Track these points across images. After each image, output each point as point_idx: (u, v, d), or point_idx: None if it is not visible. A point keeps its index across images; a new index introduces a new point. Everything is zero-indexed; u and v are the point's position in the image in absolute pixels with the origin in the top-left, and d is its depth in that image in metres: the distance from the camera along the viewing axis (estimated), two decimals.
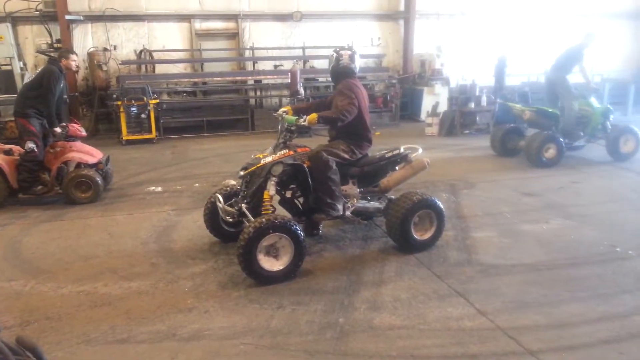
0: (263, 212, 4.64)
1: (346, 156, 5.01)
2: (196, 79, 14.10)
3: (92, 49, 13.24)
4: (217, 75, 13.96)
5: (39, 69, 7.50)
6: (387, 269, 4.74)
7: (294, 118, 4.88)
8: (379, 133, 12.18)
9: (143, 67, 13.72)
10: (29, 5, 12.75)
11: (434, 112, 12.80)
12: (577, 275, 4.56)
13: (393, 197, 5.32)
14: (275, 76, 14.05)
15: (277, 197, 5.01)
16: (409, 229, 4.96)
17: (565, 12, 16.70)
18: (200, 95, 14.13)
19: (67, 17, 12.70)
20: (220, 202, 4.93)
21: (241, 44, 14.48)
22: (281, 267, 4.43)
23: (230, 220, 4.95)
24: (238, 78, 14.29)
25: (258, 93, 14.61)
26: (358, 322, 3.81)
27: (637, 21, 17.97)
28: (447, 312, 3.94)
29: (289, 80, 12.63)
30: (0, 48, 12.06)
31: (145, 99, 11.69)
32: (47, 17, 12.85)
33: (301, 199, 5.18)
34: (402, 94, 14.81)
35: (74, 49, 12.83)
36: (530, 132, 9.43)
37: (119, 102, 11.67)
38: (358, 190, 5.20)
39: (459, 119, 12.29)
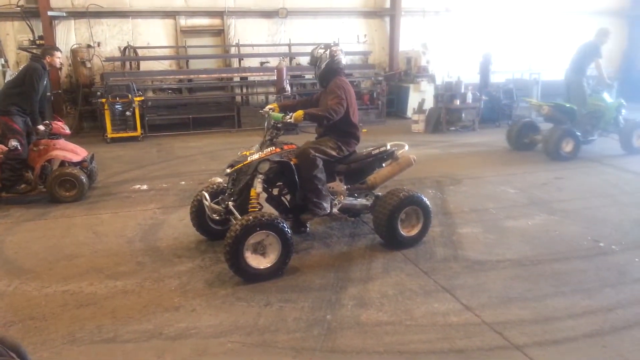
0: (250, 210, 4.63)
1: (334, 153, 5.02)
2: (181, 76, 14.00)
3: (75, 46, 13.08)
4: (202, 72, 13.88)
5: (22, 66, 7.38)
6: (374, 266, 4.76)
7: (280, 115, 4.87)
8: (366, 130, 12.12)
9: (127, 64, 13.59)
10: (10, 1, 12.55)
11: (420, 109, 12.86)
12: (561, 270, 4.62)
13: (380, 194, 5.34)
14: (261, 73, 14.00)
15: (264, 195, 5.00)
16: (395, 225, 4.99)
17: (549, 10, 16.87)
18: (185, 92, 14.02)
19: (50, 13, 12.52)
20: (206, 199, 4.91)
21: (227, 40, 14.41)
22: (268, 265, 4.43)
23: (217, 218, 4.93)
24: (224, 75, 14.22)
25: (244, 90, 14.55)
26: (345, 318, 3.83)
27: (620, 19, 18.19)
28: (434, 308, 3.97)
29: (275, 78, 12.60)
30: None
31: (130, 96, 11.57)
32: (28, 13, 12.67)
33: (288, 196, 5.18)
34: (388, 91, 14.84)
35: (57, 46, 12.70)
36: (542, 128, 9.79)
37: (104, 100, 11.54)
38: (345, 187, 5.21)
39: (445, 116, 12.36)
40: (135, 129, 11.90)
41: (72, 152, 7.16)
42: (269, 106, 5.27)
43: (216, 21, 14.45)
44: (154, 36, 13.89)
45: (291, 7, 14.52)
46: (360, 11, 15.60)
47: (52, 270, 4.75)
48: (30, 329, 3.72)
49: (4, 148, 6.80)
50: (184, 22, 14.14)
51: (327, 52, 5.12)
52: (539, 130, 9.99)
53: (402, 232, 5.07)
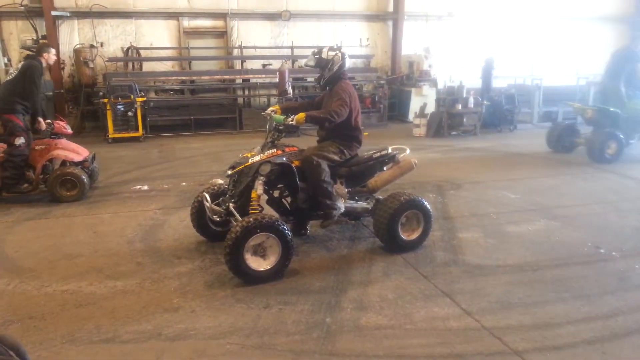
0: (251, 212, 4.63)
1: (336, 158, 5.02)
2: (184, 77, 14.02)
3: (78, 46, 13.11)
4: (204, 74, 13.91)
5: (19, 65, 7.40)
6: (374, 269, 4.76)
7: (282, 117, 4.87)
8: (367, 133, 12.11)
9: (130, 64, 13.62)
10: (14, 0, 12.59)
11: (421, 113, 12.87)
12: (561, 276, 4.61)
13: (381, 197, 5.34)
14: (263, 75, 14.03)
15: (265, 197, 5.00)
16: (396, 229, 4.98)
17: (551, 15, 16.90)
18: (187, 93, 14.05)
19: (53, 12, 12.57)
20: (207, 201, 4.91)
21: (229, 42, 14.43)
22: (268, 267, 4.42)
23: (218, 219, 4.93)
24: (226, 77, 14.25)
25: (246, 92, 14.57)
26: (345, 321, 3.82)
27: (620, 25, 18.21)
28: (433, 312, 3.96)
29: (277, 80, 12.62)
30: None
31: (132, 96, 11.58)
32: (32, 13, 12.71)
33: (289, 199, 5.17)
34: (390, 94, 14.87)
35: (60, 46, 12.79)
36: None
37: (106, 100, 11.55)
38: (346, 190, 5.21)
39: (447, 120, 12.36)
40: (136, 129, 11.92)
41: (73, 151, 7.16)
42: (271, 108, 5.26)
43: (219, 23, 14.48)
44: (156, 37, 13.93)
45: (294, 9, 14.55)
46: (363, 14, 15.63)
47: (52, 270, 4.75)
48: (29, 328, 3.72)
49: (4, 146, 6.81)
50: (187, 23, 14.18)
51: (339, 54, 5.10)
52: (580, 133, 10.17)
53: (402, 236, 5.06)
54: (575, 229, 5.85)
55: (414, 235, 5.16)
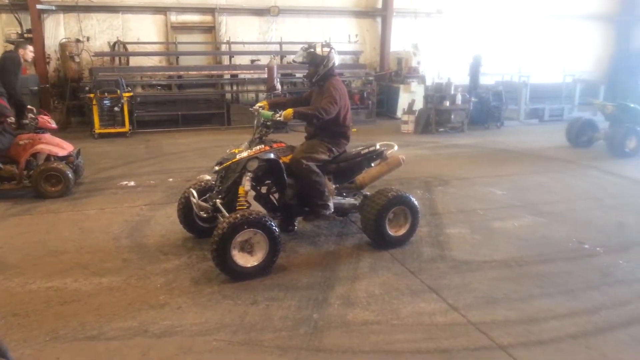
0: (238, 208, 4.61)
1: (324, 157, 5.02)
2: (171, 73, 13.91)
3: (64, 40, 12.93)
4: (192, 69, 13.81)
5: None
6: (362, 265, 4.77)
7: (270, 113, 4.85)
8: (356, 130, 12.16)
9: (117, 59, 13.47)
10: None
11: (409, 110, 12.90)
12: (546, 272, 4.65)
13: (368, 193, 5.35)
14: (251, 71, 13.96)
15: (252, 193, 4.98)
16: (383, 225, 4.99)
17: (538, 13, 17.00)
18: (175, 89, 13.93)
19: (38, 6, 12.38)
20: (194, 197, 4.88)
21: (218, 37, 14.34)
22: (255, 263, 4.41)
23: (205, 215, 4.90)
24: (214, 72, 14.14)
25: (234, 88, 14.50)
26: (332, 317, 3.82)
27: (606, 23, 18.39)
28: (420, 308, 3.98)
29: (265, 76, 12.56)
30: None
31: (118, 91, 11.48)
32: (17, 6, 12.50)
33: (276, 195, 5.16)
34: (378, 91, 14.86)
35: (45, 40, 12.63)
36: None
37: (92, 95, 11.42)
38: (334, 186, 5.20)
39: (434, 117, 12.40)
40: (123, 124, 11.80)
41: (58, 146, 7.08)
42: (259, 104, 5.23)
43: (207, 18, 14.38)
44: (144, 32, 13.78)
45: (283, 5, 14.49)
46: (352, 11, 15.60)
47: (36, 266, 4.69)
48: (12, 326, 3.67)
49: None
50: (174, 18, 14.06)
51: (333, 51, 5.07)
52: (599, 128, 10.43)
53: (389, 232, 5.07)
54: (561, 225, 5.90)
55: (402, 231, 5.17)
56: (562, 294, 4.22)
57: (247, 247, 4.40)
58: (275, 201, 5.17)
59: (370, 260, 4.86)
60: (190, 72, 13.78)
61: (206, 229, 5.15)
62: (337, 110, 4.94)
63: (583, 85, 15.08)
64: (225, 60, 14.32)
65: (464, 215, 6.26)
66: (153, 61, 13.83)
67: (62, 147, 7.13)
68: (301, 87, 13.79)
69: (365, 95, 14.51)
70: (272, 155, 4.78)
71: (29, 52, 7.20)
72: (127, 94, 11.71)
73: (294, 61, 5.34)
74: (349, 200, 5.37)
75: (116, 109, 11.58)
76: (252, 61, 14.18)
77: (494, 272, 4.64)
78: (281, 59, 14.32)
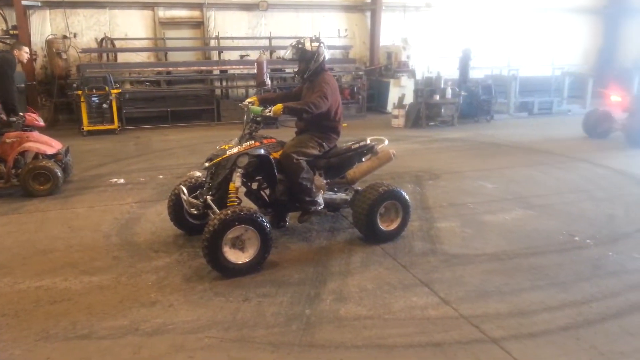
0: (229, 204, 4.59)
1: (315, 152, 5.00)
2: (160, 69, 13.81)
3: (50, 37, 12.80)
4: (181, 65, 13.71)
5: None
6: (354, 260, 4.77)
7: (259, 109, 4.83)
8: (346, 125, 12.17)
9: (104, 55, 13.35)
10: None
11: (400, 104, 12.90)
12: (537, 264, 4.68)
13: (359, 188, 5.34)
14: (241, 66, 13.89)
15: (243, 189, 4.96)
16: (375, 220, 4.99)
17: (526, 6, 17.06)
18: (164, 85, 13.83)
19: (24, 2, 12.20)
20: (184, 194, 4.85)
21: (206, 33, 14.25)
22: (247, 260, 4.40)
23: (195, 212, 4.88)
24: (203, 68, 14.07)
25: (224, 83, 14.41)
26: (324, 313, 3.82)
27: (594, 16, 18.50)
28: (412, 302, 3.99)
29: (255, 71, 12.50)
30: None
31: (107, 88, 11.36)
32: (1, 2, 12.33)
33: (267, 191, 5.14)
34: (368, 85, 14.86)
35: (31, 36, 12.48)
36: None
37: (80, 92, 11.31)
38: (325, 181, 5.19)
39: (425, 111, 12.42)
40: (112, 121, 11.70)
41: (46, 144, 7.01)
42: (249, 99, 5.21)
43: (195, 13, 14.28)
44: (131, 27, 13.66)
45: None
46: (341, 5, 15.57)
47: (26, 266, 4.65)
48: (1, 326, 3.63)
49: None
50: (162, 13, 13.94)
51: (322, 46, 5.04)
52: (615, 119, 10.56)
53: (381, 227, 5.08)
54: (551, 217, 5.94)
55: (393, 226, 5.18)
56: (553, 286, 4.25)
57: (239, 244, 4.38)
58: (266, 197, 5.15)
59: (362, 255, 4.86)
60: (179, 68, 13.67)
61: (197, 226, 5.12)
62: (328, 105, 4.92)
63: (572, 78, 15.17)
64: (215, 55, 14.24)
65: (454, 209, 6.28)
66: (141, 57, 13.72)
67: (50, 145, 7.05)
68: (291, 82, 13.74)
69: (355, 89, 14.50)
70: (262, 151, 4.76)
71: (24, 53, 7.10)
72: (115, 91, 11.61)
73: (283, 59, 5.29)
74: (341, 195, 5.37)
75: (105, 105, 11.48)
76: (242, 56, 14.10)
77: (485, 265, 4.66)
78: (270, 54, 14.26)
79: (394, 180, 7.28)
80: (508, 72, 15.12)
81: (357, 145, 5.28)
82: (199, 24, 14.39)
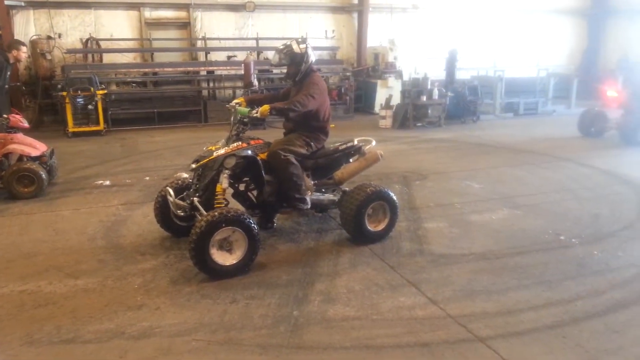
0: (216, 206, 4.57)
1: (303, 151, 4.99)
2: (146, 70, 13.71)
3: (34, 37, 12.64)
4: (168, 66, 13.62)
5: None
6: (342, 261, 4.77)
7: (246, 110, 4.81)
8: (334, 125, 12.15)
9: (90, 56, 13.23)
10: None
11: (387, 105, 12.94)
12: (523, 263, 4.72)
13: (347, 189, 5.34)
14: (228, 67, 13.84)
15: (230, 190, 4.94)
16: (362, 220, 5.00)
17: (511, 8, 17.22)
18: (150, 86, 13.74)
19: (7, 2, 12.04)
20: (171, 195, 4.82)
21: (193, 34, 14.18)
22: (235, 261, 4.38)
23: (182, 214, 4.84)
24: (190, 69, 14.00)
25: (211, 84, 14.35)
26: (312, 314, 3.82)
27: (581, 18, 18.72)
28: (400, 302, 4.00)
29: (242, 72, 12.47)
30: None
31: (92, 89, 11.24)
32: None
33: (255, 192, 5.12)
34: (356, 86, 14.88)
35: (15, 37, 12.29)
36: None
37: (64, 93, 11.18)
38: (312, 182, 5.19)
39: (412, 112, 12.46)
40: (98, 123, 11.59)
41: (30, 146, 6.92)
42: (236, 100, 5.19)
43: (182, 14, 14.20)
44: (117, 28, 13.55)
45: (258, 0, 14.38)
46: (329, 6, 15.58)
47: (9, 269, 4.58)
48: None
49: None
50: (148, 14, 13.84)
51: (309, 47, 5.03)
52: (610, 118, 10.71)
53: (369, 227, 5.09)
54: (537, 217, 5.99)
55: (381, 226, 5.19)
56: (539, 285, 4.29)
57: (226, 245, 4.36)
58: (253, 198, 5.14)
59: (350, 256, 4.87)
60: (165, 69, 13.58)
61: (184, 228, 5.08)
62: (316, 104, 4.92)
63: (557, 79, 15.33)
64: (201, 56, 14.17)
65: (442, 209, 6.31)
66: (127, 58, 13.61)
67: (35, 146, 6.97)
68: (279, 83, 13.73)
69: (342, 90, 14.53)
70: (249, 152, 4.74)
71: (22, 53, 6.97)
72: (101, 92, 11.49)
73: (274, 64, 5.24)
74: (328, 196, 5.36)
75: (90, 107, 11.36)
76: (229, 57, 14.05)
77: (471, 265, 4.69)
78: (258, 55, 14.22)
79: (382, 181, 7.30)
80: (494, 73, 15.23)
81: (344, 146, 5.29)
82: (186, 25, 14.31)
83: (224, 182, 4.64)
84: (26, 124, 7.16)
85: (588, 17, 18.79)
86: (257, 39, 14.31)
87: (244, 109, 4.84)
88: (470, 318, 3.75)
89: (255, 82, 12.23)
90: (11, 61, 6.92)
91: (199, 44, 14.08)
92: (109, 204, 6.54)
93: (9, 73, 7.13)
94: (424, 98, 12.40)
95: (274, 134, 5.60)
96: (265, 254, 4.87)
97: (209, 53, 14.00)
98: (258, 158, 4.78)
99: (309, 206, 5.05)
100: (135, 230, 5.59)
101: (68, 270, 4.57)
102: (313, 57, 5.08)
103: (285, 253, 4.97)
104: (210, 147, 4.87)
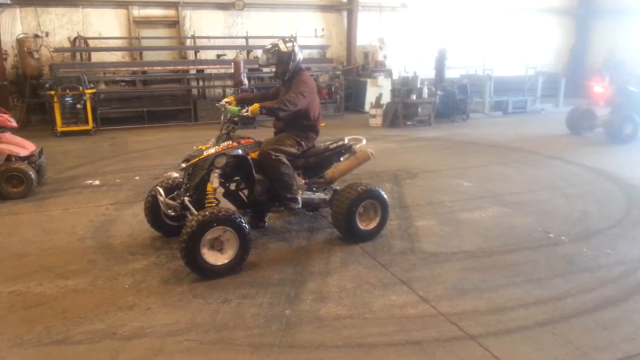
0: (206, 205, 4.55)
1: (293, 150, 4.99)
2: (135, 68, 13.63)
3: (21, 35, 12.50)
4: (157, 65, 13.55)
5: None
6: (333, 260, 4.77)
7: (236, 109, 4.80)
8: (324, 124, 12.16)
9: (78, 55, 13.12)
10: None
11: (377, 104, 12.97)
12: (513, 261, 4.75)
13: (338, 188, 5.35)
14: (218, 66, 13.79)
15: (221, 190, 4.93)
16: (354, 219, 5.01)
17: (500, 7, 17.32)
18: (139, 85, 13.65)
19: None
20: (161, 195, 4.79)
21: (182, 32, 14.11)
22: (226, 261, 4.36)
23: (172, 214, 4.82)
24: (179, 67, 13.93)
25: (201, 83, 14.29)
26: (304, 313, 3.82)
27: (568, 17, 18.87)
28: (391, 300, 4.01)
29: (232, 71, 12.42)
30: None
31: (80, 88, 11.17)
32: None
33: (246, 191, 5.11)
34: (346, 85, 14.91)
35: (1, 35, 12.18)
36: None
37: (53, 92, 11.10)
38: (303, 181, 5.19)
39: (402, 111, 12.50)
40: (86, 122, 11.51)
41: (19, 145, 6.86)
42: (226, 99, 5.17)
43: (171, 12, 14.13)
44: (105, 27, 13.45)
45: None
46: (318, 5, 15.57)
47: None
48: None
49: None
50: (137, 12, 13.75)
51: (296, 46, 5.03)
52: (597, 116, 10.84)
53: (360, 226, 5.10)
54: (526, 214, 6.04)
55: (372, 225, 5.20)
56: (529, 282, 4.32)
57: (217, 245, 4.35)
58: (244, 198, 5.13)
59: (341, 255, 4.87)
60: (154, 68, 13.51)
61: (174, 227, 5.06)
62: (306, 102, 4.91)
63: (545, 77, 15.44)
64: (191, 55, 14.11)
65: (432, 207, 6.33)
66: (116, 57, 13.52)
67: (23, 146, 6.91)
68: (269, 82, 13.69)
69: (333, 89, 14.54)
70: (240, 152, 4.73)
71: None
72: (89, 91, 11.42)
73: (262, 65, 5.23)
74: (319, 195, 5.36)
75: (78, 106, 11.28)
76: (218, 56, 14.01)
77: (462, 263, 4.71)
78: (247, 53, 14.18)
79: (372, 180, 7.32)
80: (483, 71, 15.32)
81: (335, 144, 5.30)
82: (175, 23, 14.24)
83: (214, 181, 4.62)
84: (14, 124, 7.10)
85: (575, 16, 18.95)
86: (246, 38, 14.28)
87: (234, 108, 4.83)
88: (461, 316, 3.78)
89: (245, 81, 12.21)
90: None
91: (188, 42, 14.02)
92: (99, 203, 6.49)
93: None
94: (414, 97, 12.44)
95: (265, 133, 5.58)
96: (257, 253, 4.86)
97: (199, 52, 13.95)
98: (249, 157, 4.77)
99: (300, 205, 5.05)
100: (125, 230, 5.55)
101: (58, 270, 4.53)
102: (300, 55, 5.09)
103: (276, 252, 4.96)
104: (200, 147, 4.85)
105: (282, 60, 4.98)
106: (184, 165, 4.77)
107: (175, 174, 5.26)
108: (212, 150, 4.68)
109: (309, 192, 5.30)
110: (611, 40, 17.83)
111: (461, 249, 5.05)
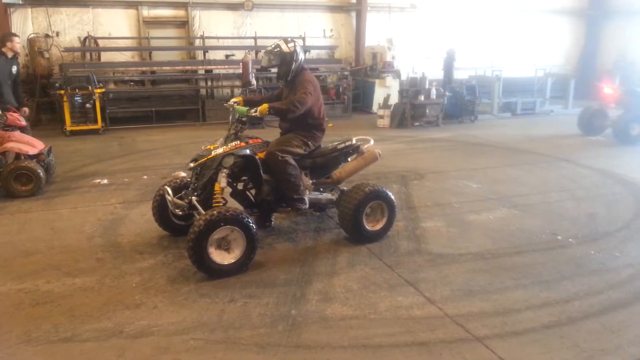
0: (214, 205, 4.57)
1: (300, 151, 4.99)
2: (144, 68, 13.70)
3: (32, 35, 12.63)
4: (166, 65, 13.62)
5: None
6: (339, 260, 4.77)
7: (245, 109, 4.81)
8: (332, 125, 12.20)
9: (88, 55, 13.21)
10: None
11: (385, 105, 12.95)
12: (521, 263, 4.73)
13: (345, 188, 5.35)
14: (226, 66, 13.83)
15: (229, 189, 4.94)
16: (360, 220, 5.00)
17: (509, 8, 17.23)
18: (148, 84, 13.73)
19: (5, 0, 12.03)
20: (169, 194, 4.81)
21: (191, 32, 14.16)
22: (233, 260, 4.38)
23: (180, 213, 4.84)
24: (188, 67, 13.99)
25: (209, 83, 14.34)
26: (310, 313, 3.82)
27: (578, 18, 18.75)
28: (398, 301, 4.00)
29: (240, 71, 12.45)
30: None
31: (90, 88, 11.23)
32: None
33: (253, 191, 5.13)
34: (354, 86, 14.90)
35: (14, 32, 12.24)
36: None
37: (62, 91, 11.18)
38: (310, 181, 5.19)
39: (410, 112, 12.48)
40: (95, 121, 11.58)
41: (28, 144, 6.91)
42: (234, 99, 5.19)
43: (180, 12, 14.19)
44: (115, 27, 13.53)
45: None
46: (327, 5, 15.58)
47: (7, 268, 4.58)
48: None
49: None
50: (146, 12, 13.82)
51: (298, 46, 5.03)
52: (608, 116, 10.84)
53: (367, 227, 5.09)
54: (534, 216, 6.00)
55: (379, 226, 5.19)
56: (536, 284, 4.30)
57: (224, 245, 4.36)
58: (252, 197, 5.14)
59: (347, 255, 4.87)
60: (163, 68, 13.59)
61: (182, 227, 5.08)
62: (313, 100, 4.91)
63: (554, 79, 15.35)
64: (200, 55, 14.16)
65: (439, 208, 6.32)
66: (125, 56, 13.59)
67: (32, 145, 6.96)
68: (276, 82, 13.63)
69: (341, 90, 14.53)
70: (248, 151, 4.74)
71: (16, 44, 7.00)
72: (99, 90, 11.49)
73: (264, 66, 5.23)
74: (326, 196, 5.36)
75: (88, 105, 11.35)
76: (227, 56, 14.05)
77: (469, 265, 4.70)
78: (256, 54, 14.20)
79: (380, 180, 7.31)
80: (492, 72, 15.25)
81: (342, 145, 5.29)
82: (184, 24, 14.30)
83: (222, 181, 4.64)
84: (24, 122, 7.16)
85: (585, 17, 18.82)
86: (255, 38, 14.31)
87: (242, 108, 4.84)
88: (468, 318, 3.76)
89: (254, 81, 12.23)
90: (9, 55, 6.96)
91: (197, 42, 14.07)
92: (107, 202, 6.53)
93: (14, 67, 7.28)
94: (422, 97, 12.41)
95: (272, 133, 5.59)
96: (264, 253, 4.87)
97: (207, 52, 13.98)
98: (256, 157, 4.78)
99: (307, 206, 5.05)
100: (133, 229, 5.58)
101: (66, 268, 4.57)
102: (303, 55, 5.10)
103: (283, 252, 4.97)
104: (208, 146, 4.87)
105: (285, 61, 4.97)
106: (192, 164, 4.79)
107: (183, 174, 5.29)
108: (220, 150, 4.70)
109: (316, 193, 5.30)
110: (622, 41, 17.71)
111: (468, 250, 5.03)
